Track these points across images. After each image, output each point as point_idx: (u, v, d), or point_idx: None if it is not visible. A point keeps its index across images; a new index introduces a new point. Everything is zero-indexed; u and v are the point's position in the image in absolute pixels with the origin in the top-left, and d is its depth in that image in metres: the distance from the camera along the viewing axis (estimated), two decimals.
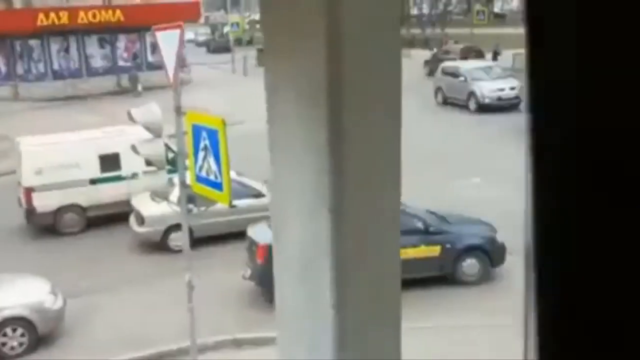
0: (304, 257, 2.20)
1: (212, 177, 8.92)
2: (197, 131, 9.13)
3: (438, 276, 13.30)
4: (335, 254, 2.10)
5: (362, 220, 2.17)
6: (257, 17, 72.77)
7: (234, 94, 32.24)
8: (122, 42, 38.58)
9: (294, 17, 2.12)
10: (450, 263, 13.31)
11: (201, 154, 9.10)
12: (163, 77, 35.13)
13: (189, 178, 9.62)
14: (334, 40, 1.95)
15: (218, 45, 58.20)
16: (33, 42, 36.48)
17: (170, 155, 12.41)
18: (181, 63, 11.33)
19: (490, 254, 13.50)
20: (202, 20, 50.49)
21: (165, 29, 10.63)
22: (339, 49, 1.93)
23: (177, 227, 15.01)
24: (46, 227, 17.40)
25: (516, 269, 13.13)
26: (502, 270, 13.62)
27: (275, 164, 2.38)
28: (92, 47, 37.95)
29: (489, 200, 15.89)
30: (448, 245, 13.22)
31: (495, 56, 41.57)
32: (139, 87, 35.09)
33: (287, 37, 2.18)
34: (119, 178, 17.54)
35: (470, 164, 19.66)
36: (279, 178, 2.38)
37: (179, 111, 9.99)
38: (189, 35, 62.34)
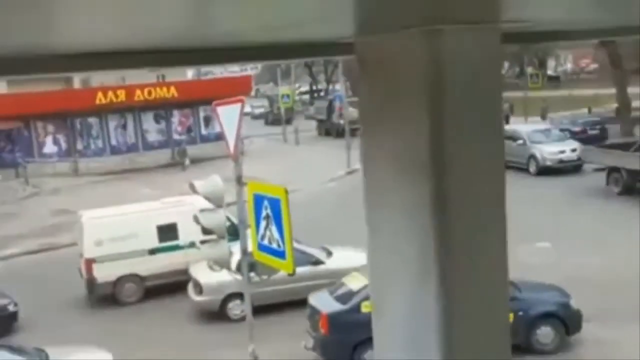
0: (408, 325, 2.15)
1: (274, 246, 9.07)
2: (258, 200, 9.34)
3: (512, 345, 12.92)
4: (444, 326, 2.01)
5: (470, 289, 2.09)
6: (305, 88, 73.93)
7: (287, 163, 32.73)
8: (176, 116, 39.81)
9: (394, 89, 2.12)
10: (523, 331, 12.67)
11: (263, 223, 9.29)
12: (216, 149, 35.92)
13: (251, 246, 9.79)
14: (437, 111, 1.96)
15: (276, 118, 57.52)
16: (92, 120, 37.88)
17: (228, 224, 12.64)
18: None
19: (566, 321, 12.96)
20: (252, 93, 51.46)
21: (225, 103, 11.00)
22: (441, 120, 1.96)
23: (235, 295, 15.24)
24: (106, 296, 17.71)
25: (594, 338, 12.76)
26: (579, 338, 13.11)
27: (374, 232, 2.39)
28: (148, 122, 39.21)
29: (558, 265, 15.51)
30: (520, 313, 12.57)
31: (543, 117, 41.61)
32: (187, 161, 35.85)
33: (386, 108, 2.25)
34: (176, 247, 17.85)
35: (537, 227, 19.13)
36: (379, 247, 2.31)
37: (240, 181, 10.27)
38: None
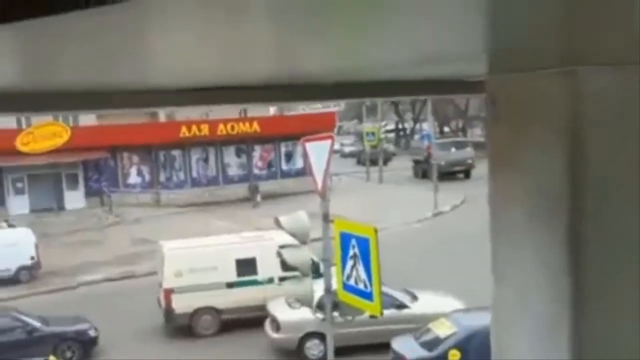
0: None
1: (361, 286, 8.87)
2: (346, 239, 9.19)
3: None
4: None
5: (604, 343, 2.00)
6: (391, 126, 73.29)
7: (370, 202, 32.53)
8: (257, 151, 40.29)
9: (528, 129, 2.09)
10: None
11: (350, 262, 9.11)
12: (296, 184, 36.15)
13: (335, 285, 9.61)
14: (576, 152, 1.88)
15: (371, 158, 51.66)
16: (175, 152, 38.74)
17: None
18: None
19: None
20: (335, 130, 50.31)
21: (314, 140, 10.95)
22: (580, 161, 1.88)
23: (314, 335, 15.03)
24: (183, 327, 17.80)
25: None
26: None
27: (500, 278, 2.28)
28: (230, 156, 39.83)
29: None
30: None
31: None
32: (258, 198, 35.83)
33: (518, 148, 2.14)
34: (255, 282, 17.84)
35: None
36: (505, 294, 2.26)
37: (327, 218, 10.14)
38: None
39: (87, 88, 2.04)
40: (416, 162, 46.89)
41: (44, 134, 34.60)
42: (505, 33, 1.57)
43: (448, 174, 40.55)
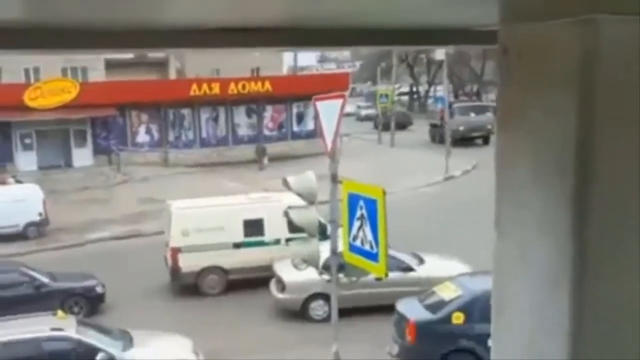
0: (532, 331, 2.05)
1: (367, 247, 8.78)
2: (353, 200, 9.07)
3: None
4: (573, 337, 1.92)
5: (604, 302, 1.98)
6: (405, 89, 72.40)
7: (380, 165, 32.43)
8: (268, 112, 40.04)
9: (539, 82, 1.99)
10: None
11: (356, 224, 9.01)
12: (307, 146, 36.12)
13: (341, 247, 9.54)
14: (587, 108, 1.80)
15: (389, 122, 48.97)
16: (185, 111, 38.56)
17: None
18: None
19: None
20: (348, 91, 48.91)
21: (326, 99, 10.76)
22: (591, 118, 1.81)
23: (318, 296, 15.06)
24: (189, 286, 17.86)
25: None
26: None
27: (503, 232, 2.25)
28: (240, 116, 39.62)
29: None
30: None
31: None
32: (265, 160, 35.46)
33: (529, 102, 2.06)
34: (261, 243, 17.83)
35: None
36: (507, 248, 2.24)
37: (335, 179, 10.01)
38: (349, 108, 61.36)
39: (91, 25, 1.98)
40: (433, 125, 45.14)
41: (52, 89, 34.50)
42: None
43: (466, 140, 39.87)
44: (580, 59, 1.75)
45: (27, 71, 41.47)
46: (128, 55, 48.12)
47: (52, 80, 36.01)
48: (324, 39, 2.28)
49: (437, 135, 43.25)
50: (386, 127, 45.69)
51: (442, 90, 48.11)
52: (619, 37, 1.73)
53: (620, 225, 1.85)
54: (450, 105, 43.38)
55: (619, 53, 1.74)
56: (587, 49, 1.73)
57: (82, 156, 35.75)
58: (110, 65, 45.69)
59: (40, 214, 23.90)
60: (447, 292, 12.60)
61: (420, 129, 49.44)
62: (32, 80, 39.26)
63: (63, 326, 12.73)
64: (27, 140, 34.98)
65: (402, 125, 47.62)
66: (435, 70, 62.75)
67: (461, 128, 39.21)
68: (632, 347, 1.98)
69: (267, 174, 29.07)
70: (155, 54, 51.32)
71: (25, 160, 34.27)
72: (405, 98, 70.62)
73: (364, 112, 62.31)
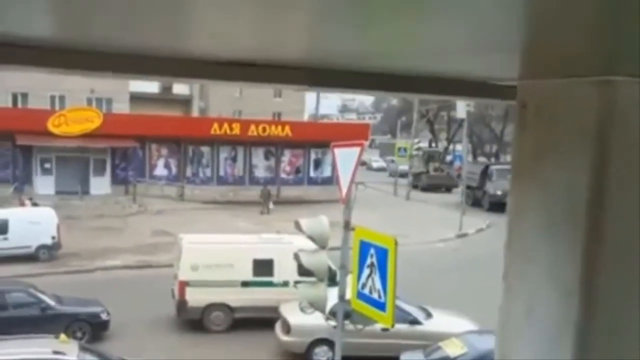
0: None
1: (375, 296, 8.79)
2: (365, 247, 9.12)
3: None
4: None
5: None
6: (424, 144, 72.47)
7: (393, 216, 32.39)
8: (287, 156, 40.34)
9: (555, 138, 2.02)
10: None
11: (366, 271, 9.04)
12: (321, 193, 35.90)
13: (349, 293, 9.55)
14: (601, 165, 1.84)
15: (432, 184, 47.38)
16: (204, 148, 38.96)
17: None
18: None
19: None
20: (367, 142, 48.26)
21: (343, 146, 10.91)
22: (604, 174, 1.84)
23: (323, 341, 14.99)
24: (194, 321, 17.83)
25: None
26: None
27: (510, 287, 2.24)
28: (258, 158, 39.94)
29: None
30: None
31: None
32: (271, 205, 34.68)
33: (543, 157, 2.08)
34: (270, 284, 17.83)
35: None
36: (513, 304, 2.21)
37: (347, 226, 10.10)
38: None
39: (117, 49, 2.02)
40: (469, 187, 39.45)
41: (76, 117, 35.04)
42: (541, 34, 1.54)
43: (504, 204, 37.23)
44: (596, 118, 1.78)
45: (52, 98, 42.25)
46: (153, 90, 48.87)
47: (76, 109, 36.61)
48: (341, 81, 2.30)
49: (472, 198, 39.86)
50: (429, 189, 44.26)
51: (461, 148, 47.87)
52: (635, 99, 1.77)
53: (628, 284, 1.85)
54: (486, 168, 41.89)
55: (634, 115, 1.78)
56: (604, 108, 1.77)
57: (100, 185, 36.11)
58: (134, 98, 46.42)
59: (53, 238, 24.07)
60: (452, 349, 12.50)
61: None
62: (57, 108, 39.92)
63: (65, 350, 12.75)
64: (47, 165, 35.42)
65: (447, 187, 44.75)
66: (455, 128, 62.92)
67: (499, 192, 36.24)
68: None
69: (281, 216, 29.12)
70: (180, 91, 52.11)
71: (44, 184, 34.65)
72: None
73: (375, 164, 62.99)
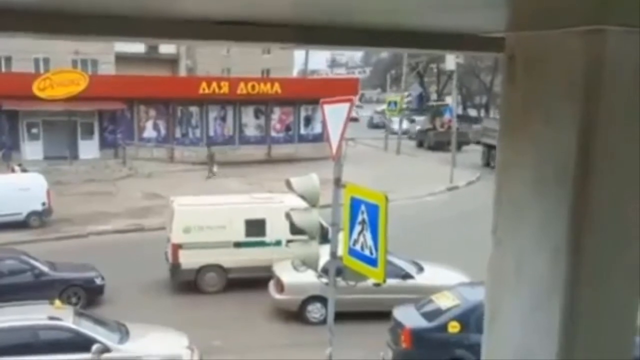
0: (523, 340, 2.05)
1: (366, 252, 8.78)
2: (355, 204, 9.06)
3: None
4: (564, 349, 1.93)
5: (598, 314, 1.98)
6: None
7: (384, 171, 32.45)
8: (276, 114, 40.11)
9: (544, 91, 2.01)
10: None
11: (357, 228, 9.01)
12: (312, 150, 36.05)
13: (341, 251, 9.54)
14: (590, 117, 1.83)
15: (439, 141, 45.72)
16: (193, 109, 38.66)
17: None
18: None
19: None
20: (357, 97, 47.74)
21: (333, 102, 10.77)
22: (593, 127, 1.83)
23: (316, 298, 15.09)
24: (188, 283, 17.91)
25: None
26: None
27: (500, 241, 2.25)
28: (248, 117, 39.70)
29: None
30: None
31: None
32: (215, 168, 33.17)
33: (532, 111, 2.07)
34: (262, 244, 17.86)
35: None
36: (503, 257, 2.24)
37: (338, 183, 10.03)
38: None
39: (104, 12, 2.00)
40: (486, 145, 37.80)
41: (61, 80, 34.63)
42: None
43: None
44: (585, 67, 1.75)
45: (37, 61, 41.72)
46: (139, 50, 48.34)
47: (61, 71, 36.18)
48: (328, 37, 2.28)
49: (488, 156, 36.81)
50: (437, 148, 43.80)
51: (450, 100, 47.91)
52: (623, 48, 1.74)
53: (617, 238, 1.85)
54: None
55: (622, 64, 1.75)
56: (593, 58, 1.74)
57: (89, 149, 35.88)
58: (120, 59, 45.91)
59: (43, 204, 23.98)
60: (444, 301, 12.60)
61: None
62: (41, 71, 39.48)
63: (60, 316, 12.77)
64: (34, 130, 35.12)
65: (458, 144, 38.22)
66: (445, 80, 62.73)
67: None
68: (622, 356, 2.00)
69: (272, 175, 29.06)
70: (166, 51, 51.59)
71: (32, 149, 34.40)
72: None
73: (375, 120, 60.94)
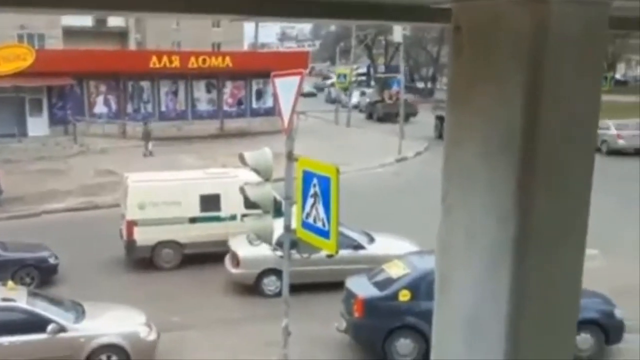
0: (473, 308, 2.09)
1: (319, 224, 8.92)
2: (308, 177, 9.17)
3: None
4: (512, 316, 1.97)
5: (544, 282, 2.00)
6: (363, 70, 71.76)
7: (334, 144, 32.59)
8: (228, 88, 39.79)
9: (490, 62, 2.00)
10: None
11: (310, 201, 9.13)
12: (264, 124, 35.87)
13: (294, 223, 9.67)
14: (533, 88, 1.84)
15: (387, 112, 45.83)
16: (144, 83, 38.10)
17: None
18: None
19: (606, 329, 12.47)
20: (307, 70, 47.43)
21: (284, 75, 10.81)
22: (537, 99, 1.85)
23: (271, 271, 15.23)
24: (144, 260, 17.85)
25: (635, 350, 12.37)
26: (618, 349, 12.69)
27: (449, 212, 2.25)
28: (200, 91, 39.31)
29: (607, 274, 14.18)
30: None
31: None
32: (150, 145, 32.45)
33: (479, 83, 2.06)
34: (217, 219, 17.89)
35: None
36: (452, 228, 2.22)
37: (290, 156, 10.12)
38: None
39: None
40: (438, 118, 37.85)
41: (7, 55, 33.72)
42: None
43: None
44: (530, 37, 1.76)
45: None
46: (86, 23, 47.26)
47: (7, 46, 35.20)
48: (278, 9, 2.23)
49: (441, 129, 34.73)
50: (385, 119, 44.72)
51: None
52: (567, 17, 1.77)
53: (563, 206, 1.89)
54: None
55: (566, 33, 1.77)
56: (537, 26, 1.75)
57: (38, 125, 35.15)
58: (67, 33, 44.84)
59: None
60: (395, 270, 12.83)
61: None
62: None
63: (13, 296, 12.64)
64: None
65: (406, 116, 38.77)
66: (392, 52, 62.87)
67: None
68: (569, 322, 2.05)
69: (226, 150, 28.96)
70: (115, 24, 50.53)
71: None
72: (364, 79, 70.34)
73: (334, 94, 59.37)
